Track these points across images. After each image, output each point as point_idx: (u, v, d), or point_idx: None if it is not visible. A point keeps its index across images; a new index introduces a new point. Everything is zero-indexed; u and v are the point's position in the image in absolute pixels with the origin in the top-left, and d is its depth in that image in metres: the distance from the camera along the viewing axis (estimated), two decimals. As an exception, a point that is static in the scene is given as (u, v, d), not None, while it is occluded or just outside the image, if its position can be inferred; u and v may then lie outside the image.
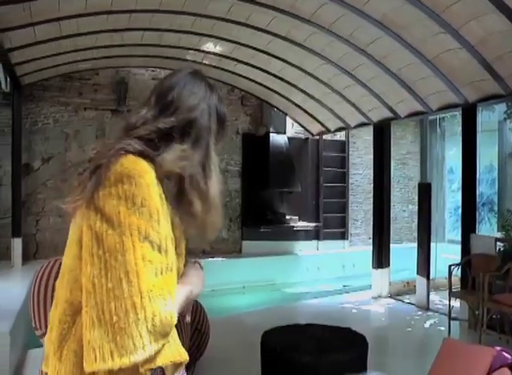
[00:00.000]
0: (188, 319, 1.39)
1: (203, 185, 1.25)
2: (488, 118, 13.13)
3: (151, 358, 1.05)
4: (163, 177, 1.21)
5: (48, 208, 8.35)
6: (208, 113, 1.32)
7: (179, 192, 1.24)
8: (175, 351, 1.17)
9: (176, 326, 1.14)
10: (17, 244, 7.53)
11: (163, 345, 1.09)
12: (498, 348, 2.43)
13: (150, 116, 1.27)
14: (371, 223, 8.16)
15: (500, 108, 12.63)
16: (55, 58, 6.94)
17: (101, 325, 1.02)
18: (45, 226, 8.36)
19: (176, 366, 1.20)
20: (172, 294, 1.09)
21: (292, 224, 10.18)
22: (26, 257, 7.78)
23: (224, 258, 9.03)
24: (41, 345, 1.69)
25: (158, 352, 1.07)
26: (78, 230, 1.15)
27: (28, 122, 8.24)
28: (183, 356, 1.20)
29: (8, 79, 7.12)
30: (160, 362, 1.10)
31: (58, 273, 1.64)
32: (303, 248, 10.54)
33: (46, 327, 1.61)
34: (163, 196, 1.18)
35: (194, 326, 2.13)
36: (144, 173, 1.11)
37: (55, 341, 1.14)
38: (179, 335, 1.25)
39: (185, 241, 1.31)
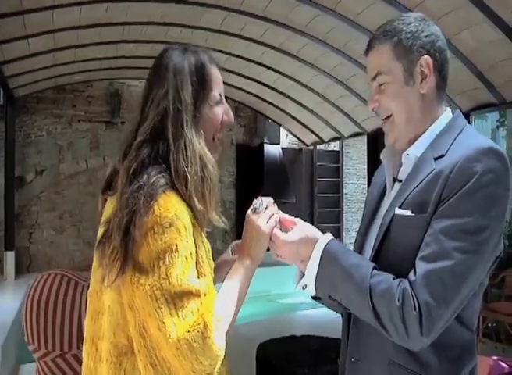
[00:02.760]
0: None
1: (193, 179, 1.15)
2: (481, 126, 13.24)
3: None
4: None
5: (41, 220, 8.30)
6: (176, 87, 1.18)
7: None
8: None
9: None
10: (10, 257, 7.45)
11: None
12: (494, 358, 2.42)
13: (131, 132, 1.22)
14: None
15: (493, 116, 12.75)
16: (49, 71, 6.94)
17: (157, 371, 1.06)
18: (39, 239, 8.30)
19: None
20: (209, 321, 1.05)
21: (287, 235, 10.14)
22: (20, 270, 7.70)
23: (219, 270, 8.95)
24: (34, 360, 1.67)
25: None
26: None
27: (21, 134, 8.20)
28: None
29: (2, 91, 7.11)
30: None
31: (51, 287, 1.62)
32: (298, 258, 10.49)
33: (39, 342, 1.59)
34: (196, 225, 1.16)
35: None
36: (176, 219, 1.07)
37: None
38: None
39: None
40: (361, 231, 1.34)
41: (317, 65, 6.63)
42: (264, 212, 1.24)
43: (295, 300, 9.08)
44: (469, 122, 5.92)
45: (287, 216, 1.27)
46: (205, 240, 1.24)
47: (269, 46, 6.45)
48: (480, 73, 5.05)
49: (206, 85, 1.22)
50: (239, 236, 1.33)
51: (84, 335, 1.22)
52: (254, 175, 10.00)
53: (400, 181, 1.24)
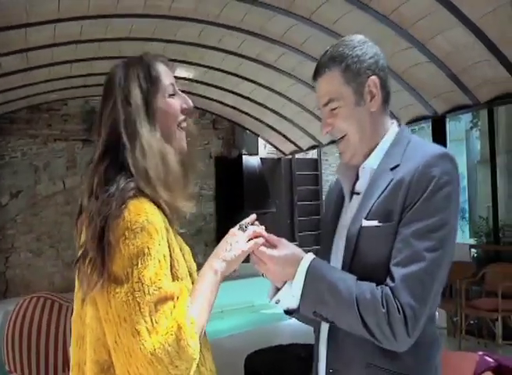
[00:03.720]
0: None
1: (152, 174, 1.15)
2: (455, 128, 13.43)
3: None
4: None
5: (18, 243, 8.10)
6: (123, 94, 1.20)
7: None
8: None
9: None
10: (-14, 283, 7.26)
11: None
12: (480, 353, 2.45)
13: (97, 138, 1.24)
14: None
15: (466, 117, 12.94)
16: (22, 90, 6.82)
17: None
18: (15, 263, 8.08)
19: None
20: (183, 323, 1.03)
21: (269, 245, 10.12)
22: (-4, 296, 7.50)
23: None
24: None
25: None
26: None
27: (-6, 156, 8.02)
28: None
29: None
30: None
31: (34, 310, 1.57)
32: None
33: (22, 369, 1.53)
34: (170, 229, 1.16)
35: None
36: (147, 223, 1.07)
37: None
38: None
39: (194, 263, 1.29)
40: (325, 247, 1.38)
41: (294, 74, 6.65)
42: (248, 231, 1.26)
43: (278, 310, 9.01)
44: (444, 124, 6.02)
45: (272, 236, 1.29)
46: (183, 243, 1.26)
47: (246, 57, 6.46)
48: (454, 76, 5.12)
49: (154, 79, 1.23)
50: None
51: (70, 362, 1.19)
52: (233, 187, 9.96)
53: (358, 193, 1.31)
